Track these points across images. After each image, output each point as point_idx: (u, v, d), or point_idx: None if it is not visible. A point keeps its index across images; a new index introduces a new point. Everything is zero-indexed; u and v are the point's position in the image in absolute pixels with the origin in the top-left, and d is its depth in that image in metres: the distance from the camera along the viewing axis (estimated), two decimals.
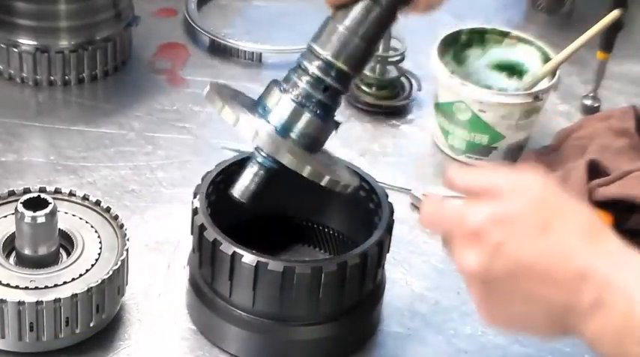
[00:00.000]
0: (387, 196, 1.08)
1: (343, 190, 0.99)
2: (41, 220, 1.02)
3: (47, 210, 1.02)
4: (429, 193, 1.28)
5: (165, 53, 1.53)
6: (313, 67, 0.99)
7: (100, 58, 1.43)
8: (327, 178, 0.96)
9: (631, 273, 0.82)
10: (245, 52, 1.52)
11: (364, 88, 1.46)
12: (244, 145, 1.31)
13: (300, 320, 1.00)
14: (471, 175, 0.90)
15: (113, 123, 1.37)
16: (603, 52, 1.44)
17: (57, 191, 1.10)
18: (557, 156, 1.35)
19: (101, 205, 1.10)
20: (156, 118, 1.39)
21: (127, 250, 1.05)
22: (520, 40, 1.41)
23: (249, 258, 0.99)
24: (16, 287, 1.01)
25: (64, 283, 1.02)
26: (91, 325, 1.04)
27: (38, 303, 0.99)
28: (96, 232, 1.08)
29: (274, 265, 0.99)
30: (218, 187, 1.07)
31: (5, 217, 1.08)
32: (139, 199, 1.26)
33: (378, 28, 0.99)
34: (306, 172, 0.95)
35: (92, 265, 1.04)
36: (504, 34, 1.42)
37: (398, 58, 1.44)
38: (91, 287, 1.01)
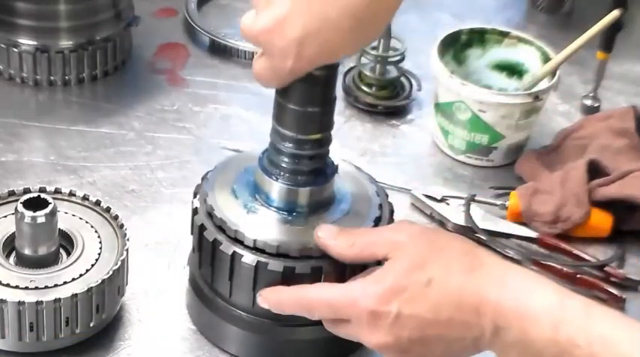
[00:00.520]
0: (387, 196, 1.08)
1: None
2: (41, 220, 1.02)
3: (47, 210, 1.01)
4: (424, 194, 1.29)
5: (165, 53, 1.53)
6: (288, 148, 0.99)
7: (100, 58, 1.43)
8: None
9: (515, 291, 0.90)
10: (245, 52, 1.52)
11: (364, 88, 1.45)
12: (244, 145, 1.31)
13: (300, 320, 1.00)
14: (347, 241, 0.98)
15: (113, 123, 1.37)
16: (603, 52, 1.44)
17: (57, 191, 1.10)
18: (557, 156, 1.36)
19: (101, 205, 1.10)
20: (156, 118, 1.39)
21: (127, 250, 1.05)
22: (520, 40, 1.41)
23: (248, 258, 0.99)
24: (16, 287, 1.01)
25: (64, 283, 1.02)
26: (91, 325, 1.04)
27: (38, 303, 0.99)
28: (96, 232, 1.08)
29: (274, 264, 0.99)
30: None
31: (5, 217, 1.08)
32: (139, 199, 1.26)
33: (328, 92, 0.98)
34: None
35: (92, 265, 1.04)
36: (504, 34, 1.42)
37: (398, 58, 1.44)
38: (91, 287, 1.01)
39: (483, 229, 1.25)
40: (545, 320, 0.87)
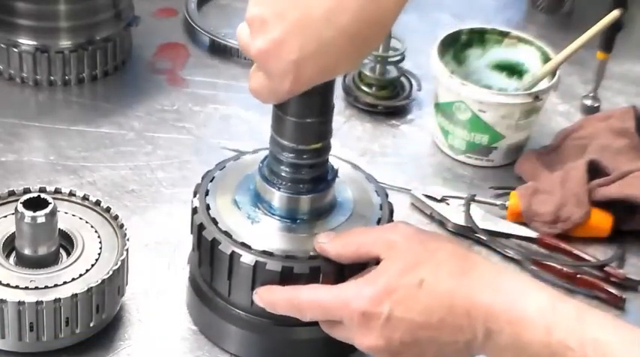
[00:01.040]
0: (387, 195, 1.08)
1: None
2: (41, 220, 1.02)
3: (47, 210, 1.01)
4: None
5: (166, 53, 1.53)
6: (287, 158, 1.00)
7: (100, 58, 1.43)
8: None
9: (507, 295, 0.90)
10: None
11: (364, 88, 1.46)
12: (244, 145, 1.31)
13: (299, 320, 1.00)
14: (341, 241, 0.98)
15: (113, 123, 1.37)
16: (603, 52, 1.44)
17: (57, 191, 1.10)
18: (557, 156, 1.36)
19: (101, 205, 1.10)
20: (156, 118, 1.39)
21: (127, 250, 1.05)
22: (520, 40, 1.41)
23: (247, 257, 0.99)
24: (16, 287, 1.01)
25: (64, 283, 1.02)
26: (91, 325, 1.04)
27: (38, 303, 0.99)
28: (96, 232, 1.08)
29: (272, 264, 0.99)
30: None
31: (5, 217, 1.08)
32: (139, 199, 1.26)
33: (326, 102, 0.99)
34: None
35: (92, 265, 1.04)
36: (504, 34, 1.42)
37: (398, 58, 1.44)
38: (91, 287, 1.01)
39: (483, 229, 1.25)
40: (538, 324, 0.88)
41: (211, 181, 1.06)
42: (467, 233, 1.26)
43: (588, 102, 1.49)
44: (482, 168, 1.37)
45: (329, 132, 1.01)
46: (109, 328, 1.08)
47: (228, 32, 1.54)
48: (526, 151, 1.37)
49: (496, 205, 1.28)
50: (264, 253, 0.99)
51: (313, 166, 1.01)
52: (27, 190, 1.08)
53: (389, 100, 1.46)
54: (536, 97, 1.32)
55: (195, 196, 1.05)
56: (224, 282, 1.02)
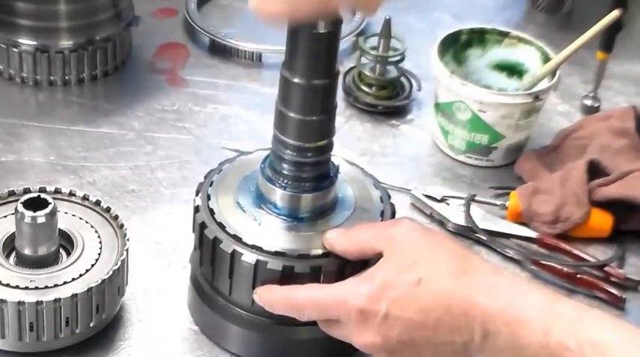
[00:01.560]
0: (390, 196, 1.08)
1: None
2: (41, 220, 1.02)
3: (47, 210, 1.01)
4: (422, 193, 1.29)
5: (166, 53, 1.53)
6: (290, 156, 1.00)
7: (100, 58, 1.43)
8: None
9: (505, 297, 0.90)
10: (245, 52, 1.52)
11: (364, 88, 1.45)
12: (244, 145, 1.31)
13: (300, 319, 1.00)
14: (347, 237, 0.99)
15: (113, 123, 1.37)
16: (603, 52, 1.44)
17: (57, 191, 1.10)
18: (557, 156, 1.36)
19: (101, 205, 1.10)
20: (156, 118, 1.39)
21: (127, 250, 1.05)
22: (520, 40, 1.41)
23: (248, 256, 0.99)
24: (16, 287, 1.01)
25: (64, 283, 1.02)
26: (91, 325, 1.04)
27: (38, 303, 0.99)
28: (96, 232, 1.08)
29: (273, 263, 0.99)
30: None
31: (5, 217, 1.08)
32: (139, 199, 1.26)
33: (330, 99, 0.99)
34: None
35: (92, 265, 1.04)
36: (504, 34, 1.42)
37: (398, 58, 1.44)
38: (91, 287, 1.01)
39: (483, 229, 1.25)
40: (536, 325, 0.88)
41: (213, 180, 1.06)
42: (467, 233, 1.26)
43: (588, 102, 1.49)
44: (482, 168, 1.37)
45: (332, 130, 1.01)
46: (109, 328, 1.08)
47: (228, 32, 1.54)
48: (526, 151, 1.37)
49: (496, 205, 1.28)
50: (266, 252, 0.99)
51: (317, 164, 1.01)
52: (27, 190, 1.08)
53: (389, 100, 1.46)
54: (536, 97, 1.32)
55: (197, 195, 1.05)
56: (225, 281, 1.02)
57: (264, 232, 1.01)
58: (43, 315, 1.00)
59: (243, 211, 1.03)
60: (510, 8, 1.74)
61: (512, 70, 1.41)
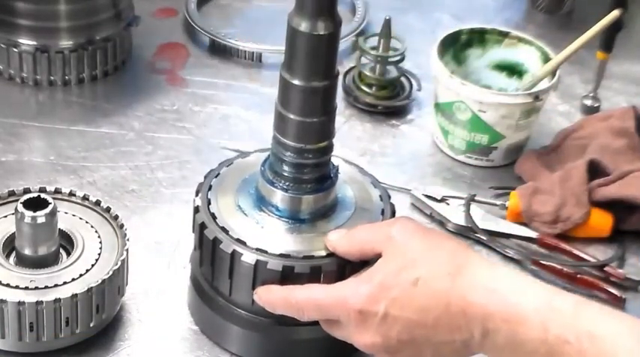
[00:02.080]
0: (390, 197, 1.08)
1: None
2: (41, 220, 1.02)
3: (47, 210, 1.01)
4: (426, 192, 1.29)
5: (166, 53, 1.53)
6: (290, 157, 1.00)
7: (100, 58, 1.43)
8: None
9: (503, 293, 0.90)
10: (245, 52, 1.52)
11: (364, 88, 1.45)
12: (244, 145, 1.31)
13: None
14: (348, 239, 0.99)
15: (113, 123, 1.37)
16: (603, 52, 1.44)
17: (57, 191, 1.10)
18: (557, 156, 1.36)
19: (101, 205, 1.10)
20: (156, 118, 1.39)
21: (127, 250, 1.05)
22: (520, 40, 1.41)
23: (248, 257, 0.99)
24: (16, 287, 1.01)
25: (64, 283, 1.02)
26: (91, 325, 1.04)
27: (38, 303, 0.99)
28: (96, 232, 1.08)
29: (273, 263, 0.99)
30: None
31: (5, 217, 1.08)
32: (139, 199, 1.26)
33: (329, 101, 0.99)
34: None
35: (92, 265, 1.04)
36: (504, 34, 1.42)
37: (398, 58, 1.44)
38: (91, 287, 1.01)
39: (483, 229, 1.25)
40: (534, 320, 0.88)
41: (213, 180, 1.06)
42: (467, 233, 1.26)
43: (588, 102, 1.49)
44: (482, 168, 1.37)
45: (332, 132, 1.01)
46: (109, 328, 1.08)
47: (228, 32, 1.54)
48: (526, 151, 1.37)
49: (496, 205, 1.28)
50: (265, 252, 0.99)
51: (317, 166, 1.01)
52: (27, 190, 1.08)
53: (389, 100, 1.46)
54: (536, 97, 1.32)
55: (197, 195, 1.05)
56: (225, 281, 1.02)
57: (266, 234, 1.01)
58: (43, 315, 1.00)
59: (245, 214, 1.03)
60: (510, 8, 1.74)
61: (512, 70, 1.41)
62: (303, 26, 0.93)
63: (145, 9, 1.56)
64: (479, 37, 1.42)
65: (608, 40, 1.42)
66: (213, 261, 1.02)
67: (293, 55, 0.95)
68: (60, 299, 0.99)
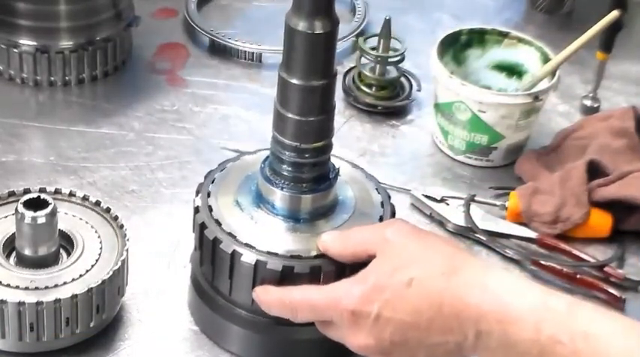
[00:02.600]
0: (390, 197, 1.08)
1: None
2: (41, 220, 1.02)
3: (47, 210, 1.02)
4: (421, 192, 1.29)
5: (166, 53, 1.53)
6: (289, 157, 1.00)
7: (100, 59, 1.43)
8: None
9: (496, 295, 0.90)
10: (245, 52, 1.53)
11: (364, 88, 1.46)
12: (244, 145, 1.31)
13: None
14: (341, 240, 0.99)
15: (113, 123, 1.37)
16: (603, 52, 1.44)
17: (57, 192, 1.10)
18: (557, 156, 1.36)
19: (101, 205, 1.10)
20: (156, 118, 1.39)
21: (127, 250, 1.05)
22: (520, 40, 1.41)
23: (248, 257, 0.99)
24: (16, 287, 1.01)
25: (64, 283, 1.02)
26: (91, 325, 1.04)
27: (38, 303, 0.99)
28: (96, 232, 1.08)
29: (273, 263, 0.99)
30: None
31: (5, 217, 1.08)
32: (139, 200, 1.26)
33: (328, 100, 0.99)
34: None
35: (92, 266, 1.04)
36: (504, 35, 1.42)
37: (398, 58, 1.44)
38: (91, 287, 1.01)
39: (483, 230, 1.25)
40: (527, 321, 0.88)
41: (213, 180, 1.06)
42: (467, 233, 1.26)
43: (588, 102, 1.49)
44: (482, 168, 1.37)
45: (331, 131, 1.01)
46: (109, 328, 1.08)
47: (228, 32, 1.54)
48: (526, 152, 1.37)
49: (496, 205, 1.28)
50: (266, 252, 0.99)
51: (316, 165, 1.01)
52: (27, 191, 1.08)
53: (389, 101, 1.46)
54: (536, 97, 1.32)
55: (197, 195, 1.05)
56: (225, 281, 1.02)
57: (260, 231, 1.01)
58: (43, 315, 1.00)
59: (241, 209, 1.03)
60: (510, 8, 1.74)
61: (512, 70, 1.41)
62: (301, 25, 0.93)
63: (145, 9, 1.56)
64: (479, 38, 1.42)
65: (607, 41, 1.42)
66: (213, 261, 1.02)
67: (291, 54, 0.95)
68: (60, 299, 0.99)
